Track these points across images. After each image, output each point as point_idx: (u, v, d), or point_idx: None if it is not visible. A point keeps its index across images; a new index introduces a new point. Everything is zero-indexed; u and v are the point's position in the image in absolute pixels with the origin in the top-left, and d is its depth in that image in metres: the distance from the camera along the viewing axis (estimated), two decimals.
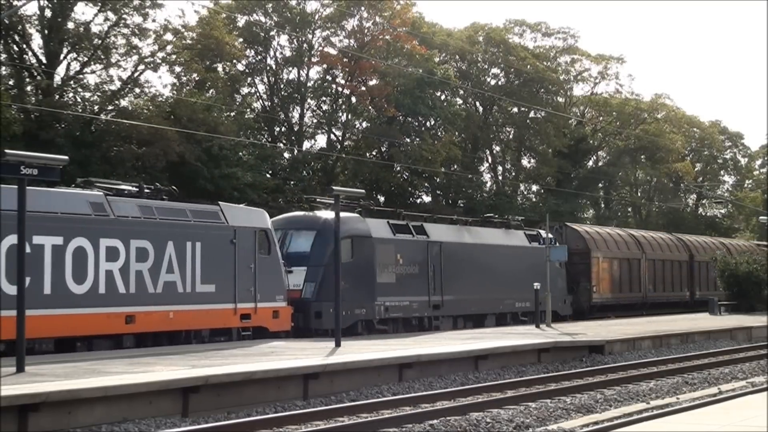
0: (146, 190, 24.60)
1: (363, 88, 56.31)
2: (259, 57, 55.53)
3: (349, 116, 57.90)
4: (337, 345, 22.83)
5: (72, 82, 41.41)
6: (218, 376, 16.16)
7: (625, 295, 45.52)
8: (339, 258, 24.39)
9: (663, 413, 14.23)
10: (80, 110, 39.97)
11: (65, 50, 40.88)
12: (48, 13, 40.21)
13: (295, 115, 56.90)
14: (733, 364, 23.95)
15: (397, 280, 31.24)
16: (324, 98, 57.90)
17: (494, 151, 72.81)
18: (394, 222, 32.19)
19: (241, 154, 47.53)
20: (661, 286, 48.93)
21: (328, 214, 29.29)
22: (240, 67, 53.55)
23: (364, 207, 32.02)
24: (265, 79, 56.28)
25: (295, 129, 56.28)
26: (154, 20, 42.10)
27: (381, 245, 30.76)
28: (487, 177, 70.82)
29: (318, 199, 30.05)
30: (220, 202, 26.63)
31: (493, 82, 69.40)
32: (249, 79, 55.84)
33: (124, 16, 41.33)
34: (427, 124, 59.15)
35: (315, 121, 58.18)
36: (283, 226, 30.01)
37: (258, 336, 25.56)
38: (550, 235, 37.51)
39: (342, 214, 27.14)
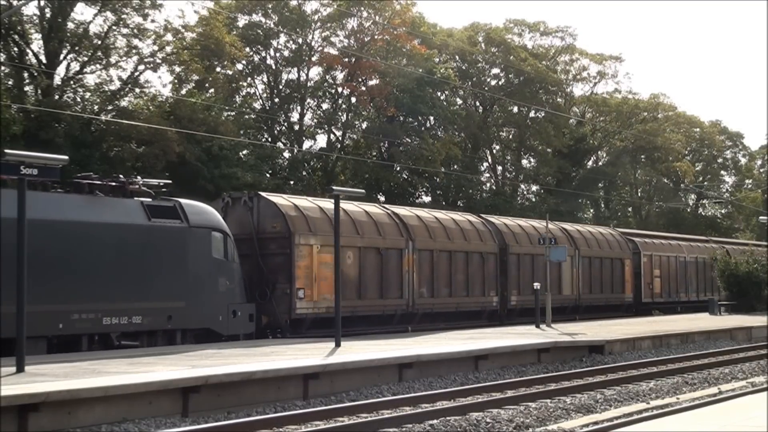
0: None
1: (363, 88, 56.34)
2: (259, 57, 55.58)
3: (349, 116, 57.92)
4: (337, 345, 22.83)
5: (72, 82, 41.42)
6: (218, 376, 16.16)
7: (371, 304, 30.65)
8: (338, 258, 24.39)
9: (663, 413, 14.23)
10: (80, 110, 39.96)
11: (65, 50, 40.88)
12: (48, 13, 40.22)
13: (295, 115, 57.01)
14: (733, 364, 23.95)
15: None
16: (324, 98, 57.95)
17: (494, 151, 72.85)
18: None
19: (241, 154, 47.52)
20: (446, 289, 33.66)
21: None
22: (240, 67, 53.57)
23: None
24: (265, 79, 56.34)
25: (295, 129, 56.30)
26: (153, 21, 42.14)
27: None
28: (487, 177, 70.87)
29: None
30: None
31: (493, 82, 69.43)
32: (249, 79, 55.86)
33: (124, 16, 41.35)
34: (427, 123, 59.17)
35: (315, 121, 58.24)
36: None
37: None
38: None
39: None
